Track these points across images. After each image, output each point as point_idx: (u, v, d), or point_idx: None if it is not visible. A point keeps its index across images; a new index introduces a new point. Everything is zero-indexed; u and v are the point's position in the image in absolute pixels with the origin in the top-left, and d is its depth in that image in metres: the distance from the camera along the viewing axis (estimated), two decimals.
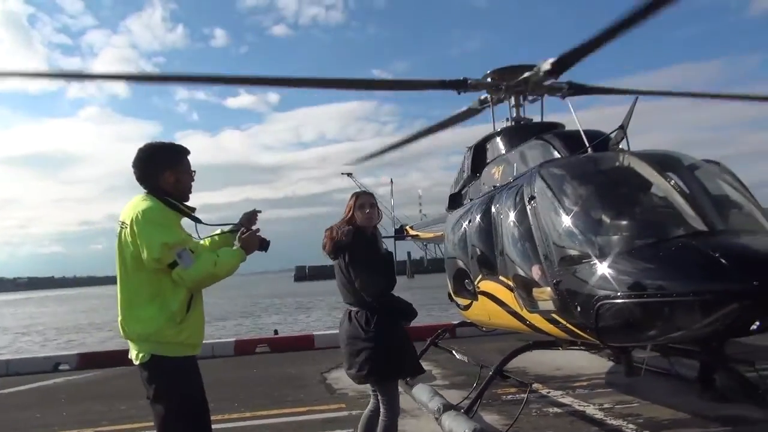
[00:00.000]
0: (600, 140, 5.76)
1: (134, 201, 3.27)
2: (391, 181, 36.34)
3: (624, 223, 4.80)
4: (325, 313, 30.08)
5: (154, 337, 3.09)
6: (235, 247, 3.42)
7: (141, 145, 3.42)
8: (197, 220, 3.46)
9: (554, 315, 5.22)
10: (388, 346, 4.08)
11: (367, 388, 4.44)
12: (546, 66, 6.48)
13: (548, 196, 5.35)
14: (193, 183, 3.46)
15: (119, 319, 3.22)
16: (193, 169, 3.46)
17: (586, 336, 4.92)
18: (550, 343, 5.98)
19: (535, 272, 5.44)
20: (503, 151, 7.60)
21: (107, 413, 7.46)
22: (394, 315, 4.18)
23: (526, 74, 7.02)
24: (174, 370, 3.13)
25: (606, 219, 4.91)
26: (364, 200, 4.38)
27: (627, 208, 5.04)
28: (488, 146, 8.11)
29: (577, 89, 7.48)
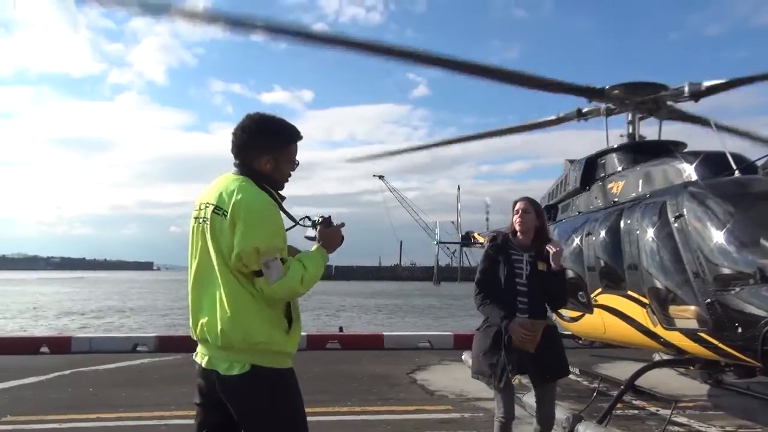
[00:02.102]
0: (749, 164, 5.76)
1: (229, 183, 2.74)
2: (458, 188, 35.17)
3: None
4: (365, 313, 30.18)
5: (263, 345, 2.63)
6: (315, 246, 2.87)
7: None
8: (288, 215, 2.92)
9: (702, 334, 5.22)
10: (478, 348, 4.38)
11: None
12: (685, 89, 6.51)
13: (701, 215, 5.36)
14: (292, 173, 2.94)
15: (205, 323, 2.69)
16: (297, 159, 2.93)
17: (742, 357, 4.91)
18: (684, 362, 5.98)
19: (681, 290, 5.45)
20: (621, 167, 7.62)
21: None
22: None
23: (662, 93, 7.03)
24: (282, 383, 2.71)
25: None
26: (518, 205, 4.38)
27: None
28: (602, 161, 8.12)
29: (697, 93, 7.34)
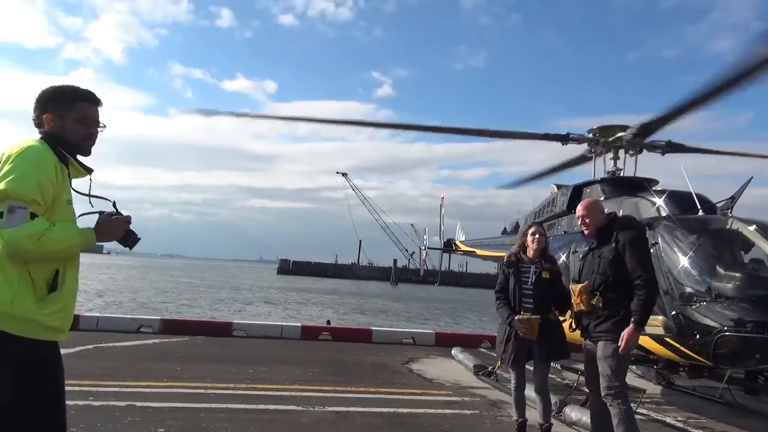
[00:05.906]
0: (711, 205, 7.17)
1: (19, 141, 2.75)
2: (442, 198, 35.03)
3: (741, 275, 6.16)
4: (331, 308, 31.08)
5: (5, 308, 2.45)
6: (86, 227, 2.79)
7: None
8: (74, 189, 2.89)
9: (668, 339, 6.58)
10: (498, 339, 6.05)
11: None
12: (633, 129, 7.96)
13: (671, 244, 6.72)
14: (93, 135, 2.91)
15: None
16: (95, 119, 2.91)
17: (698, 358, 6.28)
18: (650, 361, 7.34)
19: None
20: (603, 197, 8.98)
21: (237, 373, 8.58)
22: None
23: (620, 134, 8.46)
24: (22, 353, 2.48)
25: (725, 270, 6.28)
26: (533, 229, 6.09)
27: (742, 263, 6.44)
28: (587, 190, 9.49)
29: (675, 148, 8.88)
